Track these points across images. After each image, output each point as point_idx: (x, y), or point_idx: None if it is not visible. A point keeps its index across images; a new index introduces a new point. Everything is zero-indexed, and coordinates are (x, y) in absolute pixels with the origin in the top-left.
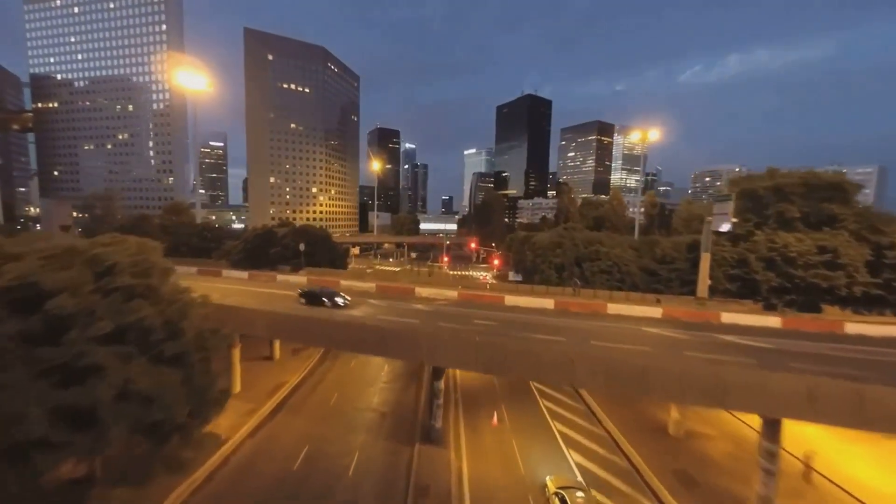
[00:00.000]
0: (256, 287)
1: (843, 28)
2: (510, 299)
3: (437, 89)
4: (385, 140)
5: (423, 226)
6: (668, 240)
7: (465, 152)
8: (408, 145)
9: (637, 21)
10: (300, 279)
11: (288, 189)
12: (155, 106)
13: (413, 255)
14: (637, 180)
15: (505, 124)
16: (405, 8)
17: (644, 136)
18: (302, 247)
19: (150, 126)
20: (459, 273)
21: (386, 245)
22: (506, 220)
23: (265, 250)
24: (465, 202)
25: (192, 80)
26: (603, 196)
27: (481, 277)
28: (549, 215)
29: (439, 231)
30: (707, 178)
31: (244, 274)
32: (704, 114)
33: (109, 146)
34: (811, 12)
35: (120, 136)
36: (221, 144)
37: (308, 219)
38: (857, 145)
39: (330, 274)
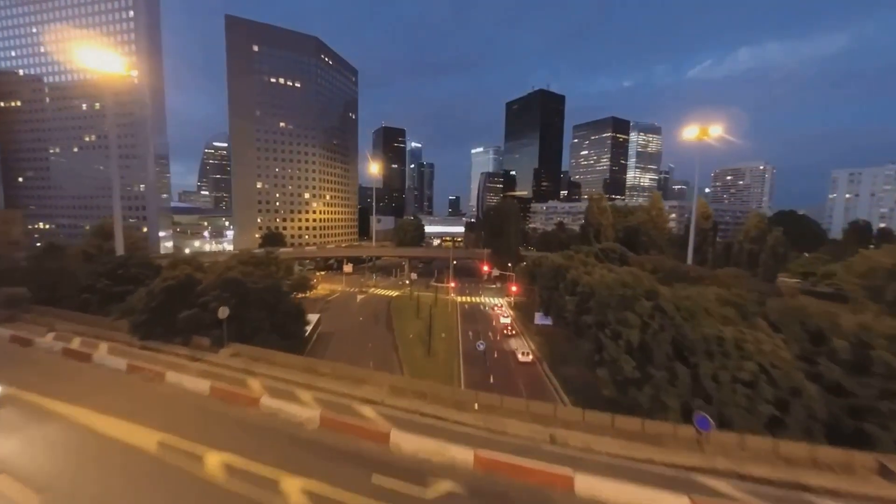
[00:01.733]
0: (104, 417)
1: (858, 19)
2: (585, 483)
3: (442, 87)
4: (390, 139)
5: (428, 228)
6: (848, 313)
7: (473, 151)
8: (414, 144)
9: (644, 15)
10: (200, 385)
11: (278, 195)
12: (125, 103)
13: (414, 274)
14: (652, 179)
15: (515, 121)
16: (409, 5)
17: (704, 131)
18: (224, 313)
19: (119, 126)
20: (468, 301)
21: (385, 256)
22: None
23: (178, 309)
24: (473, 202)
25: (98, 60)
26: (618, 197)
27: (496, 309)
28: (566, 220)
29: (446, 234)
30: (729, 177)
31: (122, 363)
32: (715, 110)
33: (76, 149)
34: (824, 2)
35: (87, 139)
36: (226, 145)
37: (300, 227)
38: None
39: (263, 361)
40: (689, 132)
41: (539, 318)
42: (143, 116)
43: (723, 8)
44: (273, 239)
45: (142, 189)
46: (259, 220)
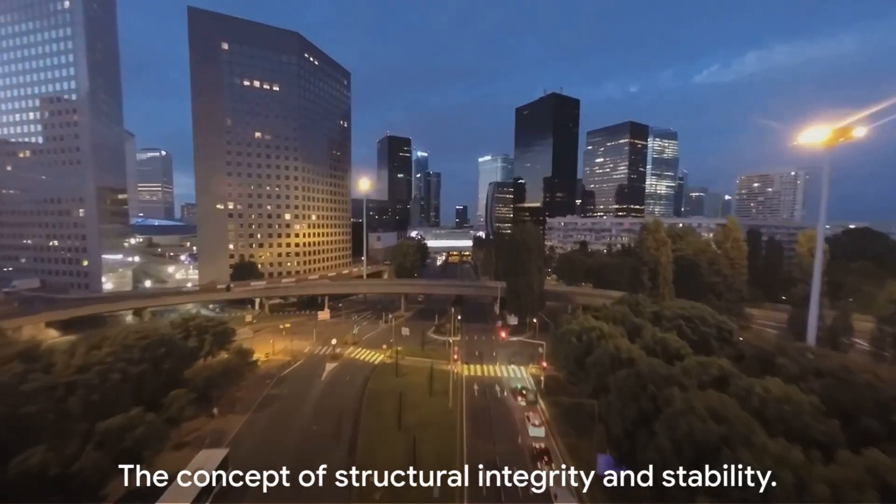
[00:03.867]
0: None
1: (867, 18)
2: None
3: (448, 95)
4: (395, 148)
5: (433, 243)
6: None
7: (480, 160)
8: (420, 153)
9: (650, 19)
10: None
11: (253, 217)
12: (62, 112)
13: (407, 329)
14: (668, 186)
15: (525, 128)
16: (412, 13)
17: (843, 132)
18: None
19: (56, 139)
20: (478, 374)
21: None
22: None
23: None
24: (481, 212)
25: None
26: (636, 206)
27: (520, 399)
28: (588, 238)
29: (452, 248)
30: (756, 184)
31: None
32: (724, 114)
33: (9, 168)
34: (831, 1)
35: (20, 155)
36: None
37: (280, 254)
38: None
39: None
40: (813, 135)
41: (604, 465)
42: (82, 123)
43: (730, 11)
44: (244, 270)
45: (80, 214)
46: (231, 247)
